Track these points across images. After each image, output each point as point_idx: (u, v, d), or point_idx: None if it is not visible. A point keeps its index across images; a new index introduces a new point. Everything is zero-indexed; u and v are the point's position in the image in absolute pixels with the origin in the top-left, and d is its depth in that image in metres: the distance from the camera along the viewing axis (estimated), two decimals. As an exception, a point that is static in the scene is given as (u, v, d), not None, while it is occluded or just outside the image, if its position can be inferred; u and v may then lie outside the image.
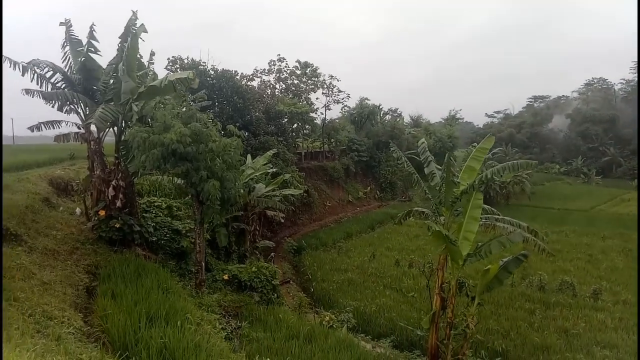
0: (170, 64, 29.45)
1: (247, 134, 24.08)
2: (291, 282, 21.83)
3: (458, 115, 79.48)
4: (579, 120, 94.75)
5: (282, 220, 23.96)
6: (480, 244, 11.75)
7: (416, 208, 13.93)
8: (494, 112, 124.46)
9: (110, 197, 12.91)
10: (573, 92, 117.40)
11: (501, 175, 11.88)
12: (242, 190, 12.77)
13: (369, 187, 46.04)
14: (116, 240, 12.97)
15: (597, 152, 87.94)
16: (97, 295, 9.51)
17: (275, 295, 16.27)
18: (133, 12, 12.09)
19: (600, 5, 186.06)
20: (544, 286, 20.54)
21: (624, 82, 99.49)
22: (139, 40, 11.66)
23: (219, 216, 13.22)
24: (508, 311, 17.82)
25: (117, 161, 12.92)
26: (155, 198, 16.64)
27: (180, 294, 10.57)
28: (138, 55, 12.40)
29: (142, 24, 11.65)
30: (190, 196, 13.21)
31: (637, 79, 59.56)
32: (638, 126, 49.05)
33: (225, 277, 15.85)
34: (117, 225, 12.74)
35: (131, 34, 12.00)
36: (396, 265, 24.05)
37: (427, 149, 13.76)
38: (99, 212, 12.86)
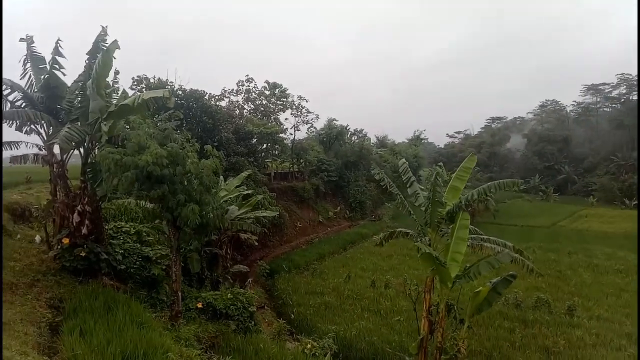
0: (135, 83, 28.51)
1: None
2: (266, 307, 21.03)
3: (422, 136, 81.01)
4: (535, 140, 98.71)
5: (256, 244, 23.20)
6: (468, 265, 11.53)
7: (400, 229, 13.63)
8: (455, 132, 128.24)
9: (75, 224, 11.96)
10: (528, 113, 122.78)
11: (487, 195, 11.79)
12: (222, 215, 12.13)
13: (338, 207, 45.78)
14: (81, 270, 11.94)
15: (552, 170, 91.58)
16: (63, 333, 8.57)
17: (253, 322, 15.47)
18: (102, 27, 11.48)
19: (554, 32, 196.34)
20: (519, 304, 20.61)
21: (575, 104, 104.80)
22: (113, 57, 10.94)
23: (197, 242, 12.45)
24: (488, 331, 17.69)
25: (83, 185, 12.01)
26: (123, 223, 15.68)
27: (155, 328, 9.73)
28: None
29: (115, 40, 10.99)
30: (162, 221, 12.40)
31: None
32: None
33: (199, 305, 14.95)
34: (83, 254, 11.74)
35: (102, 50, 11.30)
36: (372, 287, 23.64)
37: (408, 169, 13.57)
38: (63, 240, 11.84)
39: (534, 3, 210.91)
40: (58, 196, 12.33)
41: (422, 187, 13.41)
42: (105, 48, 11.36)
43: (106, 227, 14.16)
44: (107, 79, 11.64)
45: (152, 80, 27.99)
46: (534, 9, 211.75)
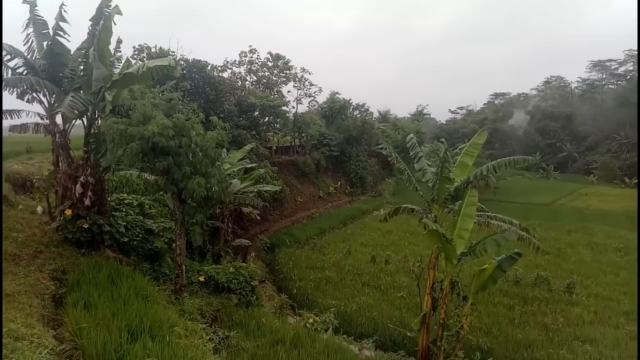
0: (137, 52, 27.90)
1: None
2: (266, 282, 21.09)
3: (425, 111, 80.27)
4: (538, 117, 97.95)
5: (258, 218, 23.15)
6: (474, 242, 11.44)
7: (405, 205, 13.51)
8: (457, 108, 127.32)
9: (77, 195, 11.79)
10: (532, 89, 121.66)
11: (496, 172, 11.62)
12: (226, 188, 11.97)
13: (339, 182, 45.64)
14: (84, 241, 11.86)
15: (554, 148, 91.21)
16: (67, 306, 8.51)
17: (254, 296, 15.51)
18: (105, -9, 11.00)
19: (565, 9, 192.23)
20: (519, 281, 20.74)
21: (580, 80, 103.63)
22: (112, 23, 10.57)
23: (202, 215, 12.33)
24: (488, 307, 17.81)
25: (86, 155, 11.79)
26: (125, 195, 15.53)
27: (159, 301, 9.69)
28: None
29: (117, 5, 10.59)
30: (166, 193, 12.24)
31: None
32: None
33: (202, 278, 14.94)
34: (86, 226, 11.64)
35: (104, 16, 10.91)
36: (372, 262, 23.77)
37: (416, 144, 13.33)
38: (65, 211, 11.72)
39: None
40: (60, 167, 12.16)
41: (429, 163, 13.21)
42: (107, 13, 10.97)
43: (108, 199, 14.01)
44: (109, 47, 11.23)
45: (153, 50, 27.37)
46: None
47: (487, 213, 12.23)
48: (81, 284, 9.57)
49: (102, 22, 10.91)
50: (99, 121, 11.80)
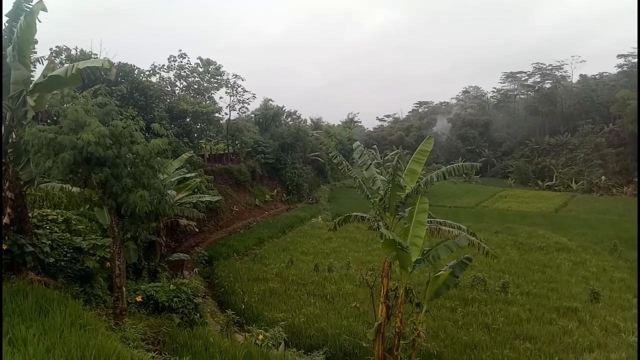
0: (54, 55, 25.54)
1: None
2: (207, 297, 20.04)
3: (356, 119, 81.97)
4: (459, 124, 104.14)
5: (197, 230, 22.00)
6: (426, 249, 11.51)
7: (355, 213, 13.33)
8: (384, 116, 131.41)
9: (-7, 213, 10.33)
10: (452, 98, 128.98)
11: (445, 178, 11.79)
12: (170, 200, 11.07)
13: (275, 190, 45.04)
14: (1, 265, 10.41)
15: (474, 153, 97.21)
16: (-13, 343, 7.30)
17: (198, 315, 14.58)
18: (27, -17, 9.78)
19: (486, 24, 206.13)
20: (458, 283, 21.37)
21: (495, 90, 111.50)
22: (36, 20, 9.42)
23: (146, 232, 11.31)
24: (432, 311, 18.07)
25: (2, 167, 10.36)
26: (49, 210, 13.98)
27: (99, 329, 8.65)
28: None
29: (41, 0, 9.45)
30: (100, 207, 11.10)
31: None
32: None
33: (139, 298, 13.78)
34: (4, 247, 10.23)
35: (24, 11, 9.69)
36: (315, 271, 23.49)
37: (364, 151, 13.24)
38: (-22, 232, 10.21)
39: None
40: (-29, 181, 10.61)
41: (378, 170, 13.18)
42: (29, 9, 9.76)
43: (30, 215, 12.49)
44: (30, 46, 10.01)
45: (73, 52, 25.22)
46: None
47: (436, 219, 12.38)
48: (2, 315, 8.30)
49: (21, 18, 9.69)
50: (18, 129, 10.48)
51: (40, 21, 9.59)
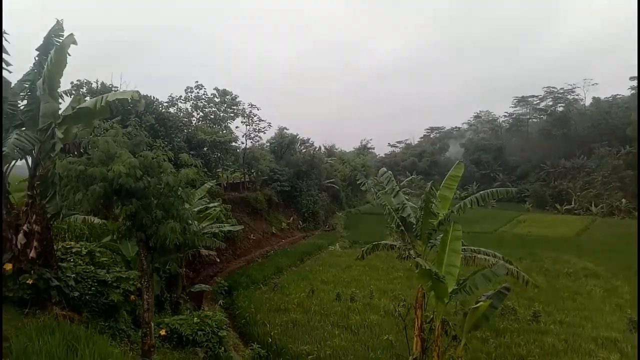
0: (75, 88, 26.00)
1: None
2: (228, 329, 19.53)
3: (369, 145, 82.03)
4: (472, 149, 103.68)
5: (218, 260, 21.69)
6: (462, 279, 11.04)
7: (384, 242, 12.96)
8: (396, 142, 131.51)
9: (20, 246, 10.18)
10: (464, 123, 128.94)
11: (479, 204, 11.43)
12: (198, 231, 10.82)
13: (291, 218, 44.74)
14: (27, 300, 10.18)
15: (488, 178, 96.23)
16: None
17: (223, 348, 14.16)
18: (58, 20, 9.91)
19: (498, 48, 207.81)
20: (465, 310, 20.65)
21: (506, 114, 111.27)
22: (67, 54, 9.47)
23: (175, 265, 11.05)
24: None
25: (30, 200, 10.26)
26: (72, 243, 13.80)
27: (129, 368, 8.31)
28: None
29: (72, 34, 9.53)
30: (128, 240, 10.90)
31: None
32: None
33: (163, 332, 13.42)
34: (30, 281, 10.02)
35: (55, 46, 9.77)
36: (338, 300, 22.87)
37: (392, 178, 12.96)
38: (5, 266, 10.04)
39: (468, 21, 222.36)
40: (-2, 214, 10.52)
41: (407, 197, 12.86)
42: (59, 43, 9.84)
43: (55, 248, 12.33)
44: (60, 80, 10.04)
45: (94, 85, 25.66)
46: (464, 29, 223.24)
47: (470, 247, 11.95)
48: (29, 353, 7.97)
49: (52, 52, 9.77)
50: (45, 162, 10.43)
51: (70, 55, 9.65)
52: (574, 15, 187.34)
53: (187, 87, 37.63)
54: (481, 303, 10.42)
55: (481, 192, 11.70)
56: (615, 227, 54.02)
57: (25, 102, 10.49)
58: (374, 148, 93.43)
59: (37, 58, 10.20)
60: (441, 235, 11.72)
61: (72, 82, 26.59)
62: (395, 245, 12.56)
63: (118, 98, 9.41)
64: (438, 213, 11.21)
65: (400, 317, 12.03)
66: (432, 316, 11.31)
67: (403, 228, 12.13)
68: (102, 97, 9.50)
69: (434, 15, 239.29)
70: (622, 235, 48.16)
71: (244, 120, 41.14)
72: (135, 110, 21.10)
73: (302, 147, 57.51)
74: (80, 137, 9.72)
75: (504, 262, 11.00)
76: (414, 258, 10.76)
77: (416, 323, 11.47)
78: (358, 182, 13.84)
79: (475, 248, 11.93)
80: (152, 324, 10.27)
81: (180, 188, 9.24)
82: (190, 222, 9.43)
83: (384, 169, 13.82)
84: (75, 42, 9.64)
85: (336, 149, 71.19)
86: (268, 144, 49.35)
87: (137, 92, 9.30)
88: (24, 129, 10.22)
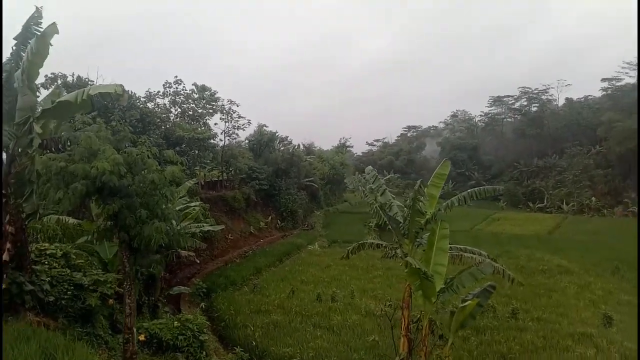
0: (49, 81, 24.97)
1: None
2: (206, 332, 19.11)
3: (348, 144, 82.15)
4: (448, 148, 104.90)
5: (197, 261, 21.20)
6: (449, 277, 11.02)
7: (370, 241, 12.85)
8: (374, 140, 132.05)
9: (-8, 249, 9.63)
10: (440, 122, 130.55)
11: (466, 202, 11.42)
12: (183, 231, 10.44)
13: (270, 217, 44.29)
14: (-1, 306, 9.64)
15: (464, 176, 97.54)
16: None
17: (204, 353, 13.80)
18: (37, 7, 9.39)
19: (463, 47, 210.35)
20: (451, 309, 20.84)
21: (482, 114, 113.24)
22: (49, 44, 8.98)
23: (160, 267, 10.65)
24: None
25: (4, 199, 9.70)
26: (47, 244, 13.18)
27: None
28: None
29: (54, 22, 9.04)
30: (109, 240, 10.44)
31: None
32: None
33: (142, 337, 13.00)
34: (4, 286, 9.49)
35: (35, 35, 9.26)
36: (318, 301, 22.67)
37: (378, 176, 12.86)
38: (-26, 270, 9.48)
39: (449, 19, 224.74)
40: (-33, 215, 9.92)
41: (393, 196, 12.78)
42: (39, 33, 9.33)
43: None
44: (40, 71, 9.53)
45: (70, 79, 24.71)
46: (445, 27, 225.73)
47: (457, 245, 11.95)
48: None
49: (31, 42, 9.25)
50: (22, 158, 9.88)
51: (52, 45, 9.17)
52: (550, 17, 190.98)
53: (166, 82, 36.80)
54: (469, 302, 10.42)
55: (468, 190, 11.76)
56: (585, 224, 55.60)
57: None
58: (352, 146, 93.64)
59: (14, 47, 9.65)
60: (428, 234, 11.67)
61: (46, 75, 25.57)
62: (381, 244, 12.46)
63: (100, 92, 8.97)
64: (426, 212, 11.14)
65: (387, 317, 11.93)
66: (418, 315, 11.25)
67: (390, 227, 12.03)
68: (84, 91, 9.04)
69: (416, 15, 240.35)
70: (592, 232, 49.64)
71: (223, 117, 40.55)
72: (117, 105, 20.41)
73: (281, 145, 57.15)
74: (61, 132, 9.23)
75: (490, 261, 11.03)
76: (401, 257, 10.68)
77: (403, 323, 11.40)
78: (345, 181, 13.66)
79: (461, 247, 11.96)
80: (135, 330, 9.84)
81: (165, 186, 8.87)
82: (174, 222, 9.05)
83: (370, 167, 13.75)
84: (57, 32, 9.18)
85: (315, 147, 71.02)
86: (247, 141, 48.73)
87: (121, 85, 8.88)
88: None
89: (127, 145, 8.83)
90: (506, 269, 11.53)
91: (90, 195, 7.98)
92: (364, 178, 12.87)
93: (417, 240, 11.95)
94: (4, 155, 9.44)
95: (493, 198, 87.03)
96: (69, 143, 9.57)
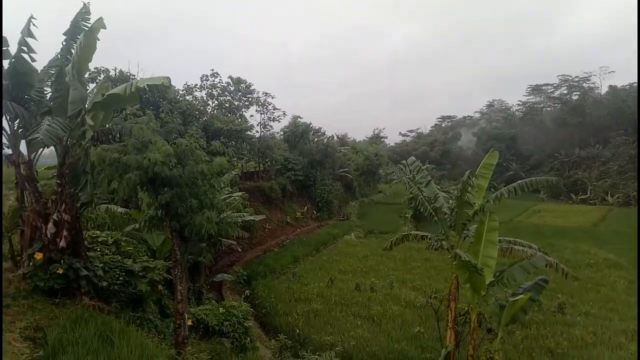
0: (93, 75, 25.78)
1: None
2: (250, 318, 19.44)
3: (382, 134, 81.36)
4: (484, 138, 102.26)
5: (239, 250, 21.56)
6: (498, 271, 10.73)
7: (415, 232, 12.65)
8: (407, 130, 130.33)
9: (50, 235, 10.03)
10: (476, 112, 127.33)
11: (516, 194, 11.07)
12: (231, 221, 10.61)
13: (305, 207, 44.55)
14: (58, 290, 10.07)
15: (501, 167, 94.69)
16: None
17: (249, 339, 14.03)
18: (84, 3, 9.64)
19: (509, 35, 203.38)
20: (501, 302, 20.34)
21: (520, 103, 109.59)
22: (96, 38, 9.21)
23: (210, 255, 10.88)
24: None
25: (60, 189, 10.08)
26: (99, 232, 13.70)
27: (166, 360, 8.15)
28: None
29: (101, 17, 9.26)
30: (160, 229, 10.71)
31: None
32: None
33: (190, 322, 13.30)
34: (61, 271, 9.89)
35: (83, 30, 9.52)
36: (357, 290, 22.68)
37: (422, 167, 12.60)
38: (35, 255, 9.92)
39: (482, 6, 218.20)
40: (27, 203, 10.37)
41: (439, 187, 12.52)
42: (87, 28, 9.59)
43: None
44: (89, 65, 9.80)
45: (112, 73, 25.44)
46: (479, 13, 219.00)
47: (506, 238, 11.61)
48: (65, 344, 7.84)
49: (80, 37, 9.51)
50: (76, 149, 10.23)
51: (99, 39, 9.40)
52: (589, 2, 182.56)
53: (203, 75, 37.37)
54: (521, 296, 10.13)
55: (519, 181, 11.34)
56: (632, 217, 53.07)
57: (52, 88, 10.31)
58: (386, 137, 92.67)
59: (64, 43, 9.96)
60: (475, 226, 11.38)
61: (89, 70, 26.39)
62: (426, 236, 12.24)
63: (149, 84, 9.14)
64: (474, 203, 10.86)
65: (431, 309, 11.76)
66: (466, 308, 11.03)
67: (436, 218, 11.81)
68: (132, 83, 9.23)
69: (447, 1, 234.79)
70: (641, 225, 47.39)
71: (259, 109, 40.89)
72: (148, 100, 20.72)
73: (315, 137, 57.15)
74: (113, 124, 9.48)
75: (542, 254, 10.66)
76: (447, 249, 10.47)
77: (450, 315, 11.20)
78: (380, 171, 13.49)
79: (511, 239, 11.61)
80: (186, 316, 10.09)
81: (213, 177, 8.99)
82: (224, 211, 9.17)
83: (413, 158, 13.46)
84: (104, 26, 9.38)
85: (348, 138, 70.71)
86: (282, 133, 49.02)
87: (168, 78, 9.01)
88: (50, 116, 10.04)
89: (175, 137, 8.97)
90: (559, 262, 11.07)
91: (143, 185, 8.17)
92: (406, 169, 12.58)
93: (464, 232, 11.68)
94: (58, 148, 9.79)
95: (533, 189, 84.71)
96: (118, 135, 9.79)
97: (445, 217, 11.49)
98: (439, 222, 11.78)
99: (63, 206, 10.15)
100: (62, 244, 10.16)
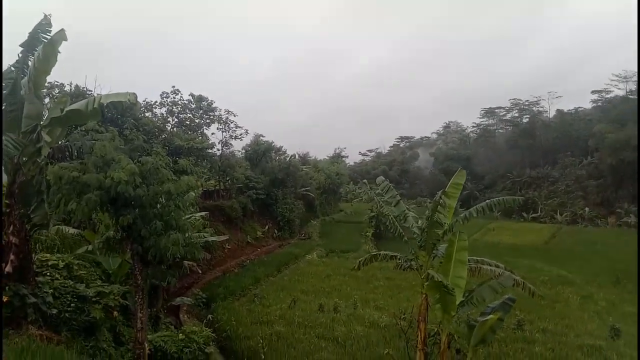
0: (47, 90, 24.51)
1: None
2: (211, 344, 18.66)
3: (343, 153, 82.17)
4: (441, 158, 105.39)
5: (200, 271, 20.78)
6: (468, 290, 10.79)
7: (384, 252, 12.59)
8: (367, 150, 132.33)
9: (-5, 260, 9.25)
10: (433, 133, 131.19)
11: (485, 213, 11.24)
12: (198, 243, 10.14)
13: (267, 226, 43.89)
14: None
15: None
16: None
17: (210, 366, 13.42)
18: (45, 15, 9.13)
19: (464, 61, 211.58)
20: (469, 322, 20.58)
21: (474, 125, 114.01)
22: (57, 51, 8.72)
23: (175, 279, 10.31)
24: (452, 353, 17.20)
25: (8, 209, 9.34)
26: (48, 255, 12.80)
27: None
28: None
29: (62, 29, 8.78)
30: (119, 253, 10.08)
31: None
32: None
33: (147, 350, 12.58)
34: (5, 299, 9.10)
35: (41, 42, 8.99)
36: (321, 311, 22.30)
37: (391, 187, 12.63)
38: (-24, 283, 9.10)
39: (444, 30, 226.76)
40: (-30, 224, 9.54)
41: (408, 207, 12.56)
42: (46, 40, 9.07)
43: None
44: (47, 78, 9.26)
45: (67, 88, 24.27)
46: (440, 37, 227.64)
47: (474, 257, 11.74)
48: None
49: (39, 49, 8.99)
50: (29, 166, 9.54)
51: (60, 52, 8.90)
52: (549, 27, 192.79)
53: (163, 92, 36.52)
54: (490, 316, 10.19)
55: (487, 201, 11.54)
56: (580, 235, 55.84)
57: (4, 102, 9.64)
58: (347, 156, 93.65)
59: (20, 55, 9.36)
60: (444, 245, 11.45)
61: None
62: (395, 256, 12.19)
63: (113, 100, 8.71)
64: (444, 223, 10.94)
65: (396, 329, 11.65)
66: (436, 329, 10.99)
67: (406, 238, 11.80)
68: (95, 99, 8.77)
69: (409, 30, 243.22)
70: (589, 242, 49.80)
71: (220, 127, 40.30)
72: (106, 117, 19.74)
73: (277, 156, 56.90)
74: (71, 140, 8.92)
75: (509, 273, 10.82)
76: (416, 269, 10.46)
77: (419, 336, 11.11)
78: (352, 191, 13.43)
79: (478, 258, 11.76)
80: (146, 345, 9.48)
81: (179, 196, 8.59)
82: (188, 233, 8.76)
83: (382, 177, 13.51)
84: (65, 39, 8.92)
85: (310, 157, 70.83)
86: (243, 151, 48.51)
87: (134, 94, 8.63)
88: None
89: (139, 155, 8.53)
90: (526, 281, 11.27)
91: (103, 205, 7.67)
92: (372, 187, 12.58)
93: (433, 252, 11.72)
94: (3, 166, 9.11)
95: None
96: (76, 152, 9.25)
97: (415, 237, 11.49)
98: (408, 241, 11.77)
99: (11, 228, 9.41)
100: (8, 269, 9.41)
